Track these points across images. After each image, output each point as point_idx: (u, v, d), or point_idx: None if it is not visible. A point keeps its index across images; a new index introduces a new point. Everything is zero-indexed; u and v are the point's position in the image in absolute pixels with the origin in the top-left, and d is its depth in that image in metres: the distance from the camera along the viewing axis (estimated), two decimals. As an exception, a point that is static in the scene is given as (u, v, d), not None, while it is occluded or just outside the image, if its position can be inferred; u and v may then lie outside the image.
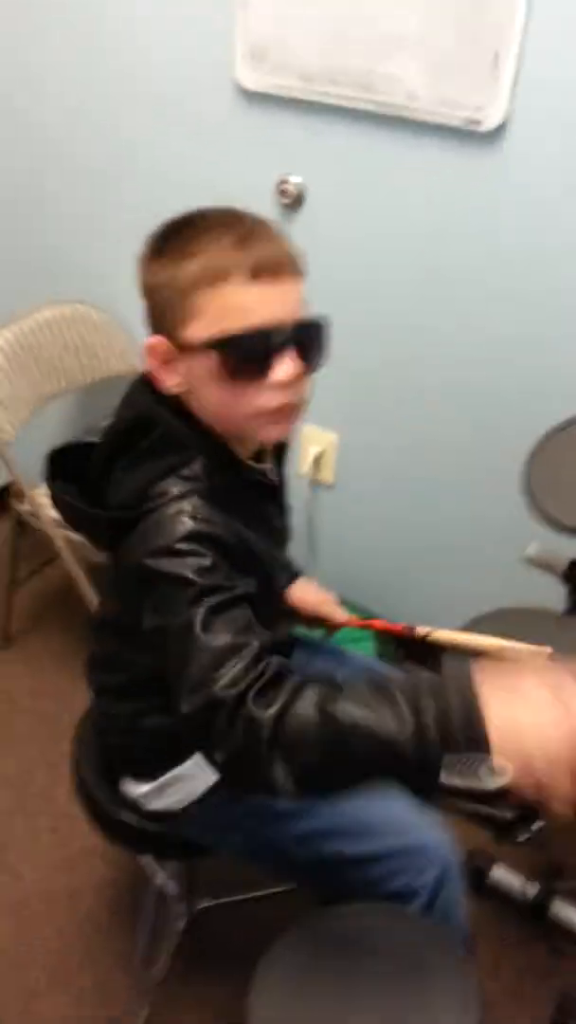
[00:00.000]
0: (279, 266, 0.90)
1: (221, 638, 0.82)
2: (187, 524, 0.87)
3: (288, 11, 1.53)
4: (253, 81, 1.61)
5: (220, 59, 1.63)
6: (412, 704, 0.75)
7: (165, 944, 1.42)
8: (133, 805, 1.15)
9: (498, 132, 1.45)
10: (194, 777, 1.09)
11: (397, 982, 0.85)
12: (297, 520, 2.01)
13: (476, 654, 1.02)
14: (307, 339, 0.93)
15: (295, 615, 1.29)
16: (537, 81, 1.40)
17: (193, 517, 0.88)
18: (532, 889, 1.53)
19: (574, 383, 1.52)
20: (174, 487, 0.90)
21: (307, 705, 0.77)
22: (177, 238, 0.91)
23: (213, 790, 1.09)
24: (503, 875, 1.56)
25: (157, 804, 1.13)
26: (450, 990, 0.83)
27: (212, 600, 0.84)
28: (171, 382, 0.93)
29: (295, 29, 1.54)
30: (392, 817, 1.08)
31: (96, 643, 1.16)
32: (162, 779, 1.11)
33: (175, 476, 0.91)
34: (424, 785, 0.80)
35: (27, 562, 2.02)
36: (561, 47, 1.36)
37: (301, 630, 1.32)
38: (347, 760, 0.77)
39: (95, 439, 0.98)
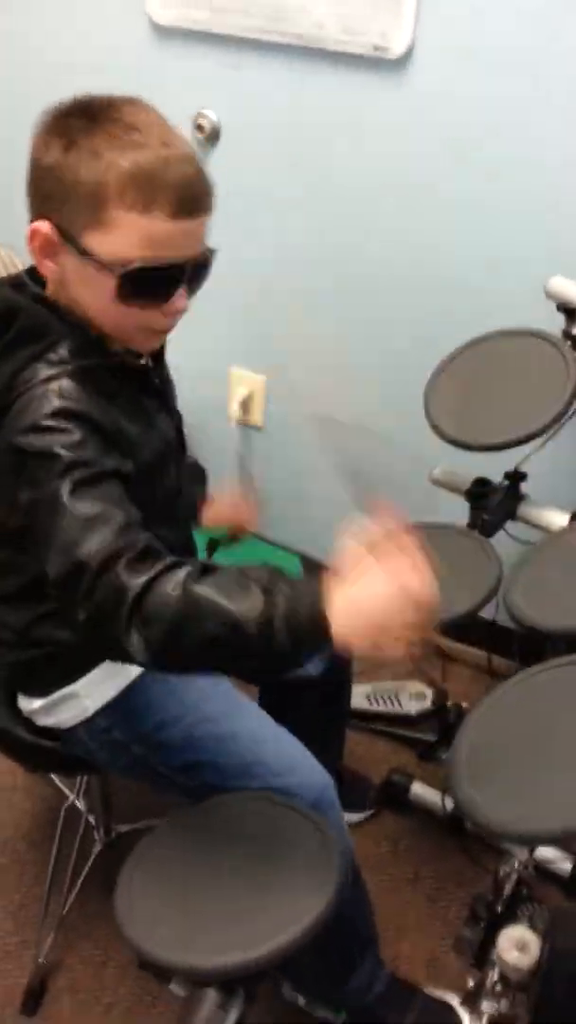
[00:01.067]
0: (203, 199, 0.90)
1: (88, 507, 0.83)
2: (55, 402, 0.88)
3: None
4: (165, 16, 1.61)
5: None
6: (265, 593, 0.79)
7: (79, 869, 1.44)
8: (27, 720, 1.16)
9: (404, 59, 1.46)
10: (84, 696, 1.10)
11: (261, 860, 0.87)
12: (227, 462, 2.04)
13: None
14: (202, 272, 0.95)
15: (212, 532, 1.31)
16: (439, 8, 1.41)
17: (61, 396, 0.88)
18: (451, 803, 1.57)
19: (482, 308, 1.53)
20: (41, 372, 0.90)
21: (173, 582, 0.80)
22: (93, 129, 0.87)
23: (102, 712, 1.11)
24: (423, 791, 1.62)
25: (49, 720, 1.14)
26: (311, 865, 0.84)
27: (80, 473, 0.85)
28: (49, 268, 0.92)
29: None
30: (273, 755, 1.10)
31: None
32: (54, 695, 1.11)
33: (42, 361, 0.90)
34: (269, 669, 0.83)
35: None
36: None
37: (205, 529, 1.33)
38: (198, 637, 0.79)
39: None
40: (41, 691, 1.12)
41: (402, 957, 1.41)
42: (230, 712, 1.12)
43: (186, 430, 2.23)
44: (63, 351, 0.91)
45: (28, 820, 1.61)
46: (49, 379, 0.89)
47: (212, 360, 1.93)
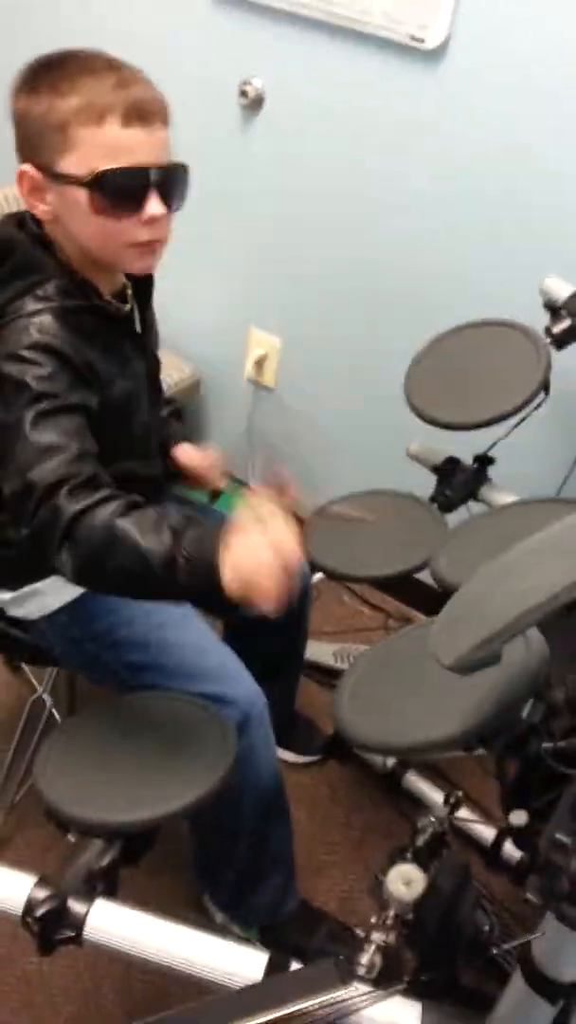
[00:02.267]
0: (154, 111, 0.98)
1: (47, 436, 0.94)
2: (33, 336, 0.98)
3: None
4: (223, -17, 1.69)
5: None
6: (174, 537, 0.90)
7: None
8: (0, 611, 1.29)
9: (439, 50, 1.53)
10: (48, 594, 1.22)
11: (165, 745, 0.99)
12: (237, 419, 2.14)
13: None
14: (175, 181, 1.02)
15: (180, 475, 1.40)
16: (476, 4, 1.47)
17: (40, 330, 0.99)
18: (391, 761, 1.67)
19: (486, 298, 1.60)
20: (29, 304, 1.00)
21: (104, 513, 0.91)
22: (55, 73, 0.97)
23: (63, 610, 1.23)
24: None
25: (17, 611, 1.26)
26: (205, 757, 0.97)
27: (44, 405, 0.96)
28: (41, 209, 1.02)
29: None
30: (211, 665, 1.21)
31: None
32: (23, 589, 1.24)
33: (30, 296, 1.01)
34: (173, 601, 0.98)
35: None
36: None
37: (186, 490, 1.44)
38: (113, 565, 0.91)
39: None
40: (11, 585, 1.25)
41: (319, 891, 1.52)
42: (176, 622, 1.23)
43: (202, 381, 2.34)
44: (50, 288, 1.02)
45: (2, 711, 1.75)
46: (33, 313, 0.99)
47: (233, 318, 2.04)
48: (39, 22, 2.03)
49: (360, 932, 1.43)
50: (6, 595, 1.27)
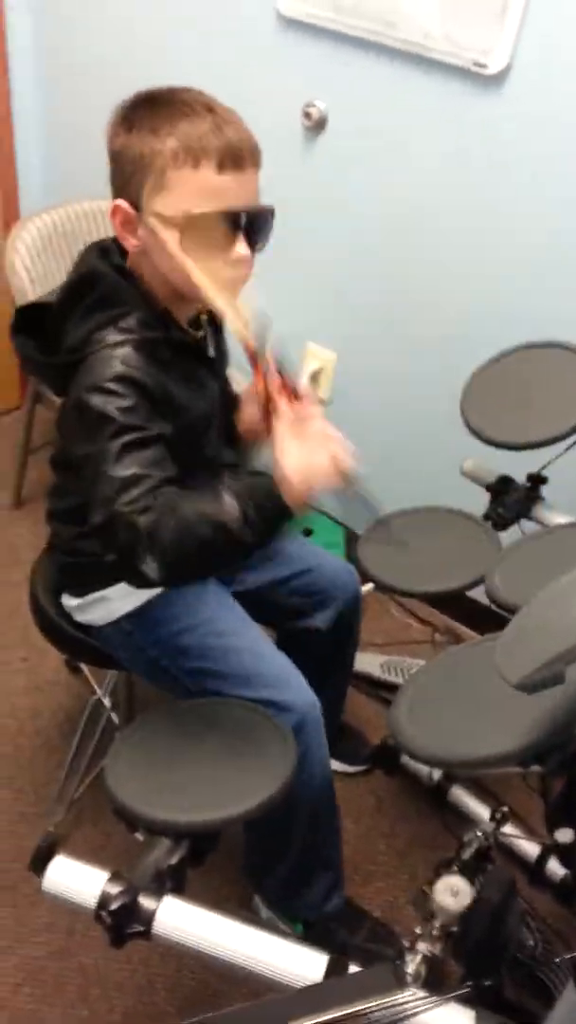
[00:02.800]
0: (246, 155, 1.02)
1: (129, 469, 1.00)
2: (117, 368, 1.03)
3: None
4: (290, 8, 1.74)
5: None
6: (235, 496, 0.98)
7: (97, 760, 1.63)
8: (67, 615, 1.35)
9: (501, 76, 1.55)
10: (114, 600, 1.28)
11: (228, 750, 1.04)
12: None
13: None
14: (262, 224, 1.06)
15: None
16: (540, 32, 1.49)
17: (123, 362, 1.04)
18: (437, 774, 1.69)
19: (543, 320, 1.62)
20: (111, 336, 1.05)
21: (166, 510, 0.98)
22: (153, 113, 1.01)
23: (128, 616, 1.28)
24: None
25: (85, 617, 1.32)
26: (267, 763, 1.01)
27: (128, 437, 1.01)
28: (130, 243, 1.07)
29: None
30: (270, 672, 1.25)
31: (53, 475, 1.35)
32: (91, 596, 1.29)
33: (113, 327, 1.06)
34: (248, 554, 1.03)
35: (42, 432, 2.24)
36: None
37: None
38: (196, 542, 0.98)
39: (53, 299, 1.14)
40: (79, 592, 1.31)
41: (363, 899, 1.55)
42: (237, 630, 1.28)
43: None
44: (132, 321, 1.06)
45: (63, 713, 1.82)
46: (116, 344, 1.04)
47: (290, 333, 2.07)
48: (115, 49, 2.11)
49: (405, 939, 1.46)
50: (73, 601, 1.32)
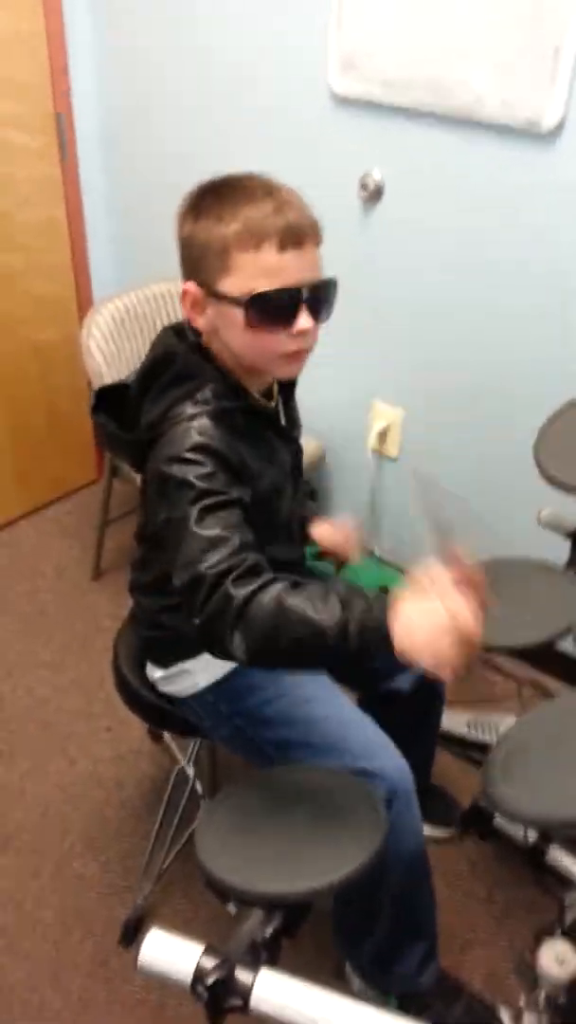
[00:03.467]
0: (306, 234, 1.06)
1: (211, 530, 1.01)
2: (195, 438, 1.06)
3: (373, 28, 1.73)
4: (343, 87, 1.81)
5: (316, 70, 1.85)
6: (344, 606, 0.96)
7: (182, 830, 1.63)
8: (151, 686, 1.37)
9: (555, 132, 1.58)
10: (197, 672, 1.29)
11: (318, 818, 1.02)
12: (362, 490, 2.19)
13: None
14: (324, 296, 1.09)
15: (317, 546, 1.44)
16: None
17: (201, 433, 1.07)
18: (532, 835, 1.63)
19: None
20: (188, 409, 1.09)
21: (271, 595, 0.97)
22: (217, 200, 1.06)
23: (212, 688, 1.29)
24: (507, 820, 1.67)
25: (168, 688, 1.34)
26: (358, 831, 0.98)
27: (208, 500, 1.03)
28: (200, 323, 1.11)
29: (379, 43, 1.73)
30: (358, 740, 1.23)
31: (137, 549, 1.38)
32: (174, 668, 1.31)
33: (189, 400, 1.09)
34: (343, 667, 0.99)
35: (119, 504, 2.30)
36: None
37: (315, 564, 1.48)
38: (288, 640, 0.96)
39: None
40: (163, 663, 1.33)
41: (463, 968, 1.49)
42: (322, 697, 1.27)
43: (327, 454, 2.42)
44: (208, 393, 1.10)
45: (147, 782, 1.82)
46: (192, 416, 1.08)
47: (358, 393, 2.11)
48: (178, 137, 2.23)
49: (504, 1011, 1.39)
50: (158, 672, 1.34)
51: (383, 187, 1.84)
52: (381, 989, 1.36)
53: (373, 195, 1.85)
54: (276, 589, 0.98)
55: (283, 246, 1.03)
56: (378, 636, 0.94)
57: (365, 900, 1.27)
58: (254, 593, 0.97)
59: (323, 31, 1.80)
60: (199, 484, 1.04)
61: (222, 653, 1.01)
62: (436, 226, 1.81)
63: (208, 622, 1.00)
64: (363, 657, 0.96)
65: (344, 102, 1.84)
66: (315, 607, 0.96)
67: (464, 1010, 1.34)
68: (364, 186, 1.85)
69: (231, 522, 1.03)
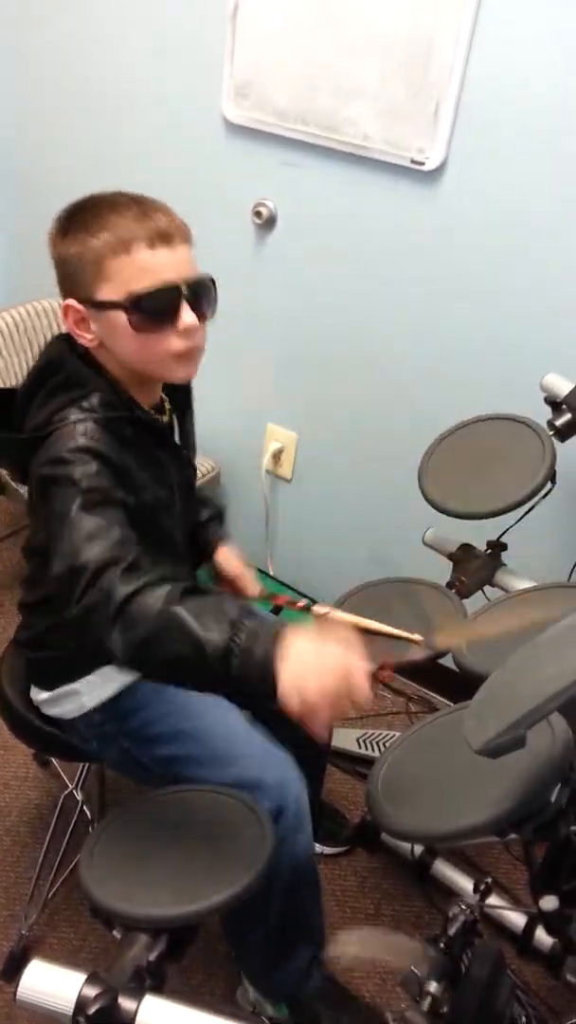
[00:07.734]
0: (173, 234, 1.08)
1: (93, 522, 0.99)
2: (78, 440, 1.05)
3: (267, 58, 1.78)
4: (236, 115, 1.85)
5: (209, 97, 1.88)
6: (232, 628, 0.91)
7: (69, 857, 1.59)
8: (36, 709, 1.34)
9: (438, 171, 1.66)
10: (84, 694, 1.27)
11: (203, 839, 1.02)
12: (256, 510, 2.22)
13: (361, 631, 1.17)
14: (203, 292, 1.11)
15: (215, 576, 1.43)
16: (470, 129, 1.61)
17: (85, 435, 1.06)
18: (419, 849, 1.67)
19: (486, 396, 1.69)
20: (73, 415, 1.08)
21: (157, 596, 0.94)
22: (84, 216, 1.07)
23: (99, 708, 1.27)
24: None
25: (53, 710, 1.31)
26: (243, 850, 0.99)
27: (91, 496, 1.01)
28: (86, 339, 1.11)
29: (273, 74, 1.78)
30: (246, 753, 1.23)
31: (26, 566, 1.35)
32: (60, 689, 1.28)
33: (75, 407, 1.08)
34: (217, 691, 0.98)
35: (6, 523, 2.24)
36: (491, 102, 1.57)
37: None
38: (168, 650, 0.93)
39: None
40: (49, 685, 1.30)
41: (351, 982, 1.51)
42: (210, 711, 1.26)
43: (221, 475, 2.42)
44: (94, 401, 1.09)
45: (32, 808, 1.78)
46: (77, 421, 1.07)
47: (252, 416, 2.14)
48: (66, 160, 2.22)
49: (391, 1019, 1.42)
50: (43, 695, 1.31)
51: (276, 215, 1.89)
52: (272, 995, 1.37)
53: (267, 223, 1.89)
54: (164, 592, 0.94)
55: (153, 244, 1.05)
56: (260, 673, 0.89)
57: (254, 907, 1.27)
58: (139, 591, 0.94)
59: (219, 59, 1.83)
60: (82, 482, 1.02)
61: (96, 648, 0.96)
62: (328, 254, 1.87)
63: (84, 614, 0.95)
64: (243, 686, 0.93)
65: (238, 130, 1.87)
66: (203, 623, 0.91)
67: (352, 1017, 1.36)
68: (258, 213, 1.88)
69: (113, 517, 1.01)
